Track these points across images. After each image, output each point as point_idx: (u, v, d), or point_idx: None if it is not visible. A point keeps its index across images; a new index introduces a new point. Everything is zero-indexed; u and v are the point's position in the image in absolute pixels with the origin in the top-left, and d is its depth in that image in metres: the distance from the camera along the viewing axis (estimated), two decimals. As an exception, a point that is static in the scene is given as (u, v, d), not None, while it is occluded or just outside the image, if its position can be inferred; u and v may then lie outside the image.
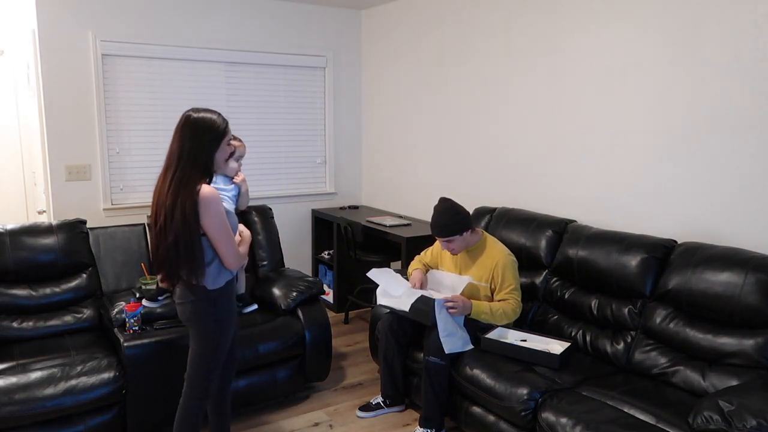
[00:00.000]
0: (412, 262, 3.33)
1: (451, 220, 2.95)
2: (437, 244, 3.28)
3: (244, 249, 2.40)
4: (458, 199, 3.24)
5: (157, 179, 2.30)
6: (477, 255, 3.04)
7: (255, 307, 2.87)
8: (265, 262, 3.80)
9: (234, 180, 3.07)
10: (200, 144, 2.21)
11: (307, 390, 3.48)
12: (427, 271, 3.25)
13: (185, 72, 4.28)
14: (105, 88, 3.98)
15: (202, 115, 2.25)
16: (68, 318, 3.14)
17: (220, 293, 2.32)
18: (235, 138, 2.92)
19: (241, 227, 2.52)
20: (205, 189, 2.19)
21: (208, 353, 2.38)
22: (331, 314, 4.70)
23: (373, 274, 3.05)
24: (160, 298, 2.80)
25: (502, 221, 3.45)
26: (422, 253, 3.36)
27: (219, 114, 2.28)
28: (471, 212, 3.62)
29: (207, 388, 2.42)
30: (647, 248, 2.77)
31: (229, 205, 2.96)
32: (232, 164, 2.99)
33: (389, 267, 3.77)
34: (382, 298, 3.06)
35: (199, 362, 2.40)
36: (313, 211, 4.96)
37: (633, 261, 2.77)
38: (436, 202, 3.06)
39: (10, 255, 3.08)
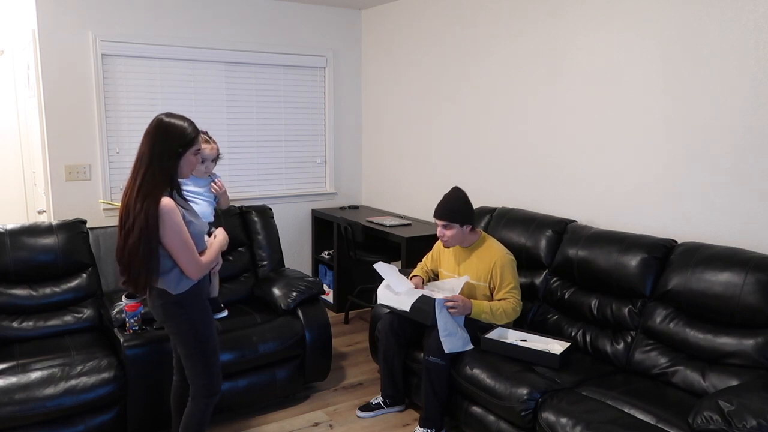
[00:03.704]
0: (414, 270, 3.33)
1: (458, 207, 2.96)
2: (436, 246, 3.29)
3: (208, 258, 2.35)
4: (458, 199, 3.24)
5: (127, 180, 2.29)
6: (476, 254, 3.04)
7: (225, 314, 2.84)
8: (265, 262, 3.80)
9: (213, 190, 2.92)
10: (169, 149, 2.22)
11: (307, 390, 3.48)
12: (428, 279, 3.25)
13: (185, 72, 4.28)
14: (105, 88, 3.98)
15: (173, 120, 2.25)
16: (68, 318, 3.14)
17: (186, 295, 2.32)
18: (207, 140, 2.80)
19: (218, 231, 2.48)
20: (164, 201, 2.19)
21: (195, 351, 2.39)
22: (331, 314, 4.70)
23: (380, 266, 3.05)
24: (137, 295, 2.78)
25: (502, 221, 3.45)
26: (423, 260, 3.36)
27: (191, 122, 2.29)
28: (471, 212, 3.63)
29: (211, 384, 2.44)
30: (647, 248, 2.77)
31: (208, 207, 2.92)
32: (200, 166, 2.81)
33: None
34: (383, 298, 3.06)
35: (191, 362, 2.40)
36: (313, 211, 4.96)
37: (633, 261, 2.77)
38: (449, 190, 3.07)
39: (10, 255, 3.08)
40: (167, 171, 2.23)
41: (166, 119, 2.25)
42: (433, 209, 3.02)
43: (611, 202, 3.21)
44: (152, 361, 2.84)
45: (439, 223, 2.99)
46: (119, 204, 2.33)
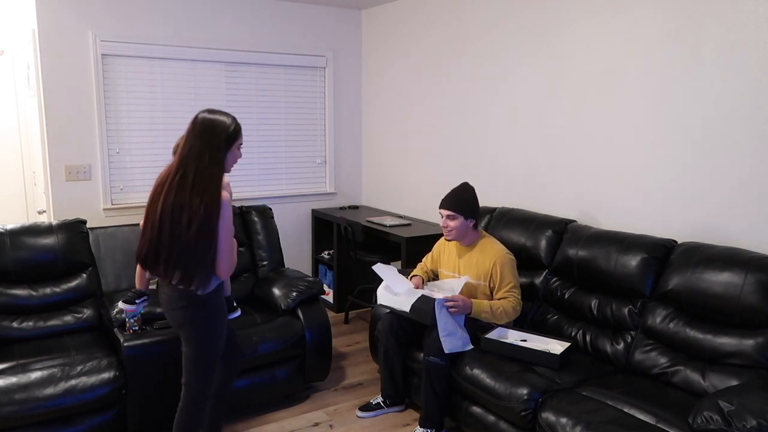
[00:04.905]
0: (414, 270, 3.33)
1: (465, 200, 3.00)
2: (436, 246, 3.29)
3: (234, 257, 2.38)
4: (458, 199, 3.24)
5: (161, 176, 2.26)
6: (475, 253, 3.04)
7: (239, 313, 2.83)
8: (265, 262, 3.80)
9: None
10: (218, 144, 2.22)
11: (307, 390, 3.48)
12: (428, 279, 3.25)
13: (185, 72, 4.28)
14: (105, 88, 3.98)
15: (216, 116, 2.26)
16: (68, 318, 3.14)
17: (210, 295, 2.31)
18: None
19: None
20: (224, 195, 2.19)
21: (204, 357, 2.37)
22: (331, 314, 4.70)
23: (379, 268, 3.06)
24: (137, 301, 2.77)
25: (502, 221, 3.45)
26: (423, 260, 3.36)
27: (233, 117, 2.30)
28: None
29: (207, 391, 2.42)
30: (647, 248, 2.77)
31: None
32: None
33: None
34: (383, 298, 3.06)
35: (196, 368, 2.38)
36: (313, 211, 4.96)
37: (633, 261, 2.77)
38: (457, 185, 3.12)
39: (10, 255, 3.08)
40: (221, 165, 2.22)
41: (210, 116, 2.25)
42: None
43: (611, 202, 3.21)
44: (152, 361, 2.84)
45: (444, 213, 3.01)
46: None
